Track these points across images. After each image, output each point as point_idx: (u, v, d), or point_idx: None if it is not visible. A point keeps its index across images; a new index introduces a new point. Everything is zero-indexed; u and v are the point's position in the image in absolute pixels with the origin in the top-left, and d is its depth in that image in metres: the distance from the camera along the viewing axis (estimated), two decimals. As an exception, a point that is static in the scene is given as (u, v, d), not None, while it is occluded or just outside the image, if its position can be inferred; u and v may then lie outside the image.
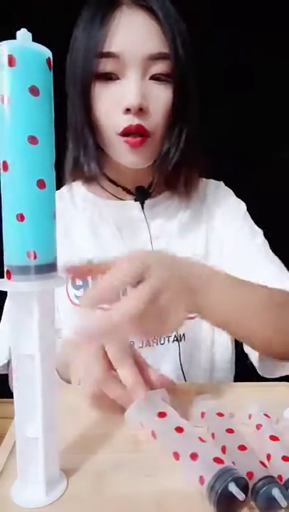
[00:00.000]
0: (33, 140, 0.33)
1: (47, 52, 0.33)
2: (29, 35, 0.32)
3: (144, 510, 0.36)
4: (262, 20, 1.28)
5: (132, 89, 0.56)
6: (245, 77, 1.31)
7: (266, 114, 1.34)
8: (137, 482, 0.39)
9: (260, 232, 0.74)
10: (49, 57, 0.33)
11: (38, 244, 0.33)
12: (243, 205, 0.76)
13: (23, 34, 0.32)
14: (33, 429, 0.36)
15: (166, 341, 0.69)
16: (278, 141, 1.38)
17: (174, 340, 0.69)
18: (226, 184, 0.80)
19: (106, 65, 0.57)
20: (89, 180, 0.66)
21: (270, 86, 1.33)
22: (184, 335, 0.70)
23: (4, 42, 0.32)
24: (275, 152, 1.36)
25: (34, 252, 0.33)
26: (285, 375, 0.63)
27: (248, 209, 0.77)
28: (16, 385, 0.36)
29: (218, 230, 0.74)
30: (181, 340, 0.69)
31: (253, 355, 0.66)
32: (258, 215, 0.76)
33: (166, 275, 0.42)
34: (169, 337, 0.69)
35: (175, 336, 0.69)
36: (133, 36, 0.56)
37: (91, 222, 0.72)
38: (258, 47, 1.29)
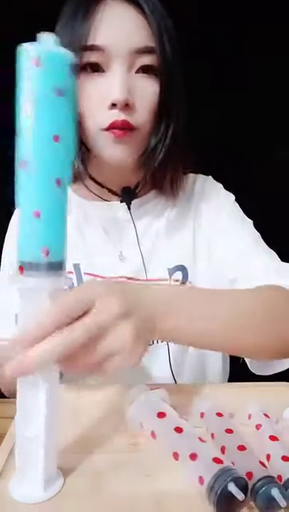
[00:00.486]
0: (56, 139, 0.34)
1: (71, 56, 0.34)
2: (53, 37, 0.34)
3: (144, 510, 0.36)
4: (256, 16, 1.27)
5: (117, 84, 0.55)
6: (236, 76, 1.30)
7: (258, 113, 1.33)
8: (137, 482, 0.39)
9: (249, 222, 0.72)
10: (72, 61, 0.34)
11: (52, 241, 0.34)
12: (231, 197, 0.74)
13: (47, 37, 0.34)
14: (34, 428, 0.36)
15: (155, 341, 0.69)
16: (272, 140, 1.37)
17: (163, 340, 0.68)
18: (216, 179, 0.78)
19: (90, 57, 0.56)
20: (73, 180, 0.64)
21: (263, 84, 1.32)
22: None
23: (30, 43, 0.33)
24: (269, 151, 1.35)
25: (47, 249, 0.34)
26: (278, 371, 0.61)
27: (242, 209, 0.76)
28: (19, 382, 0.36)
29: (205, 226, 0.72)
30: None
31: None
32: (250, 211, 0.75)
33: (115, 307, 0.37)
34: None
35: None
36: (118, 29, 0.55)
37: (77, 225, 0.70)
38: (250, 43, 1.28)
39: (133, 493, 0.38)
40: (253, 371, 0.63)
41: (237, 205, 0.73)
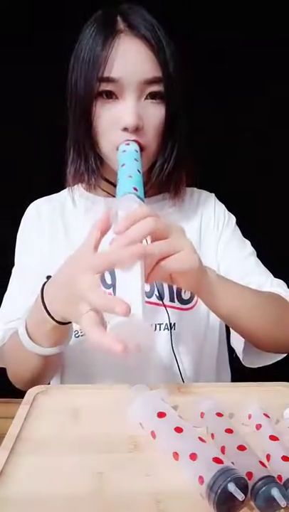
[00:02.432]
0: None
1: None
2: None
3: (144, 510, 0.36)
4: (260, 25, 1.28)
5: (129, 111, 0.62)
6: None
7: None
8: (137, 482, 0.39)
9: (248, 242, 0.81)
10: None
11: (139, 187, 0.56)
12: (233, 219, 0.83)
13: None
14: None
15: (158, 329, 0.72)
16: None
17: (164, 329, 0.72)
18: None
19: (105, 87, 0.63)
20: (88, 181, 0.71)
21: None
22: (174, 324, 0.72)
23: None
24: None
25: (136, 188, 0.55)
26: (267, 364, 0.73)
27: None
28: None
29: (211, 236, 0.79)
30: (172, 328, 0.72)
31: (238, 348, 0.73)
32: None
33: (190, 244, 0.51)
34: (160, 324, 0.72)
35: (166, 325, 0.72)
36: (130, 62, 0.62)
37: (90, 220, 0.73)
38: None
39: (133, 493, 0.38)
40: (245, 364, 0.73)
41: (237, 227, 0.83)
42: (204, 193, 0.84)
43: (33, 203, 0.81)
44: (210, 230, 0.79)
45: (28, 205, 0.81)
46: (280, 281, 0.75)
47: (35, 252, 0.75)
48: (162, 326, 0.72)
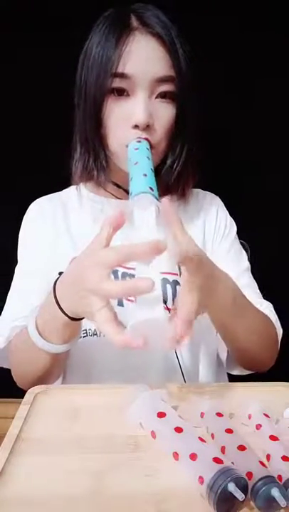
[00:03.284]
0: None
1: None
2: None
3: (144, 510, 0.36)
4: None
5: (140, 108, 0.62)
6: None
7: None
8: (137, 482, 0.39)
9: (245, 256, 0.81)
10: None
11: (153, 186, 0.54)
12: (234, 228, 0.82)
13: None
14: None
15: None
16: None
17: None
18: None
19: (118, 83, 0.63)
20: (96, 184, 0.71)
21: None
22: None
23: None
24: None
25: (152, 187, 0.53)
26: (244, 374, 0.75)
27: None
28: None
29: (213, 239, 0.79)
30: None
31: (221, 353, 0.76)
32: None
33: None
34: None
35: None
36: (144, 60, 0.62)
37: (94, 218, 0.74)
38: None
39: (133, 493, 0.38)
40: (227, 369, 0.77)
41: (237, 237, 0.82)
42: (209, 195, 0.84)
43: (35, 201, 0.80)
44: (210, 235, 0.79)
45: (28, 205, 0.80)
46: (269, 304, 0.75)
47: (39, 251, 0.75)
48: None
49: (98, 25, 0.65)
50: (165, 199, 0.48)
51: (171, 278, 0.71)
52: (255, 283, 0.78)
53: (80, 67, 0.67)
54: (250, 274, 0.79)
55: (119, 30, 0.62)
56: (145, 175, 0.55)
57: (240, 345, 0.66)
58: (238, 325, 0.62)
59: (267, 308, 0.73)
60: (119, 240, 0.47)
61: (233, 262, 0.77)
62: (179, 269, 0.73)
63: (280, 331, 0.72)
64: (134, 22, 0.63)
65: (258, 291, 0.77)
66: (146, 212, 0.49)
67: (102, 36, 0.63)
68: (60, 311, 0.53)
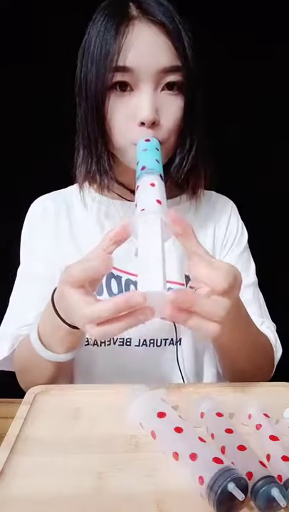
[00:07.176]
0: None
1: None
2: None
3: (144, 510, 0.36)
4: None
5: (145, 104, 0.58)
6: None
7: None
8: (137, 482, 0.39)
9: (253, 267, 0.77)
10: None
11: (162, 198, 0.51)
12: (245, 237, 0.79)
13: None
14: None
15: (163, 344, 0.70)
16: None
17: (169, 344, 0.70)
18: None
19: (120, 77, 0.59)
20: (96, 180, 0.68)
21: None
22: (180, 339, 0.71)
23: None
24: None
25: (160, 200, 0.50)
26: None
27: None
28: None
29: (223, 245, 0.76)
30: (178, 343, 0.70)
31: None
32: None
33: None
34: (165, 339, 0.70)
35: (171, 339, 0.70)
36: (146, 50, 0.58)
37: (98, 220, 0.73)
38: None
39: (133, 493, 0.38)
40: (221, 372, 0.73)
41: (248, 246, 0.79)
42: (222, 199, 0.80)
43: (37, 200, 0.77)
44: (219, 243, 0.76)
45: (28, 205, 0.78)
46: (272, 324, 0.73)
47: (41, 254, 0.72)
48: (167, 341, 0.70)
49: (96, 17, 0.61)
50: (173, 212, 0.46)
51: (175, 287, 0.70)
52: (261, 298, 0.75)
53: (80, 62, 0.63)
54: (257, 289, 0.75)
55: (117, 21, 0.58)
56: (153, 184, 0.51)
57: (234, 366, 0.65)
58: (238, 349, 0.60)
59: (268, 328, 0.71)
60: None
61: (245, 268, 0.74)
62: (186, 278, 0.72)
63: (278, 353, 0.70)
64: (134, 10, 0.58)
65: (264, 306, 0.74)
66: (150, 228, 0.47)
67: (101, 28, 0.59)
68: (59, 319, 0.52)
